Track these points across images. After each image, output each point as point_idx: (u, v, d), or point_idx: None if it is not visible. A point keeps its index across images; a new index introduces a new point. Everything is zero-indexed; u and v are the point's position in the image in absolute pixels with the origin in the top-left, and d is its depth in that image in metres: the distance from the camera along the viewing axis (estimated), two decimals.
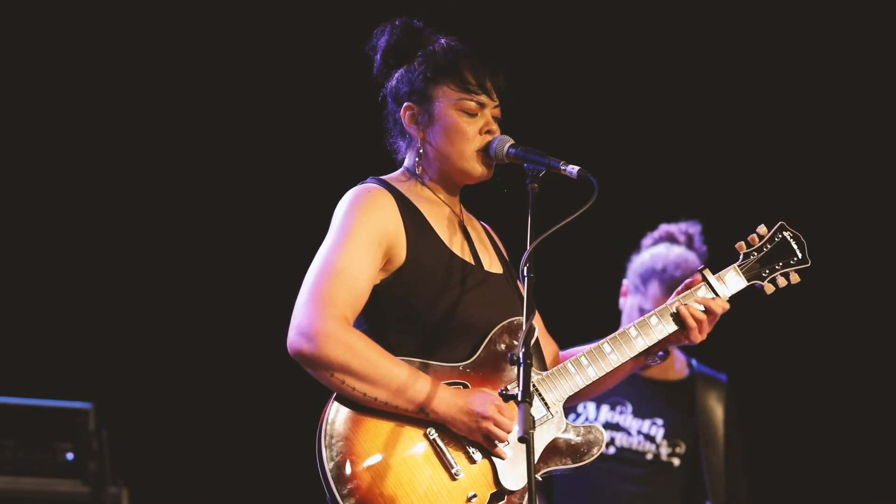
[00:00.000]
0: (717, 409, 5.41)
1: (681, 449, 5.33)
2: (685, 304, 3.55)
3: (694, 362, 5.48)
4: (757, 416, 6.80)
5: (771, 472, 6.71)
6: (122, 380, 6.41)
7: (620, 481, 5.32)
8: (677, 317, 3.56)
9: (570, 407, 4.31)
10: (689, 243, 5.45)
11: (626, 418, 5.36)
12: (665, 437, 5.33)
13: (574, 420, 4.95)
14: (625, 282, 5.43)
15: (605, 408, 5.38)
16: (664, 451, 5.33)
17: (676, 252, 5.39)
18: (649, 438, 5.34)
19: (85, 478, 5.67)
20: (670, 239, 5.45)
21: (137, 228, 6.50)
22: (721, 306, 3.57)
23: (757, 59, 6.96)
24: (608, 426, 5.32)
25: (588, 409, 5.39)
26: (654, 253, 5.39)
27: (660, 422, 5.35)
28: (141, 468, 6.20)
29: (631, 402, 5.35)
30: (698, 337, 3.56)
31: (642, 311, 5.20)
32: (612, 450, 5.30)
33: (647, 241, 5.49)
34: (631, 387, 5.23)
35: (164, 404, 6.47)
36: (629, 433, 5.33)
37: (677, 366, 5.45)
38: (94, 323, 6.42)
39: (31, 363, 6.33)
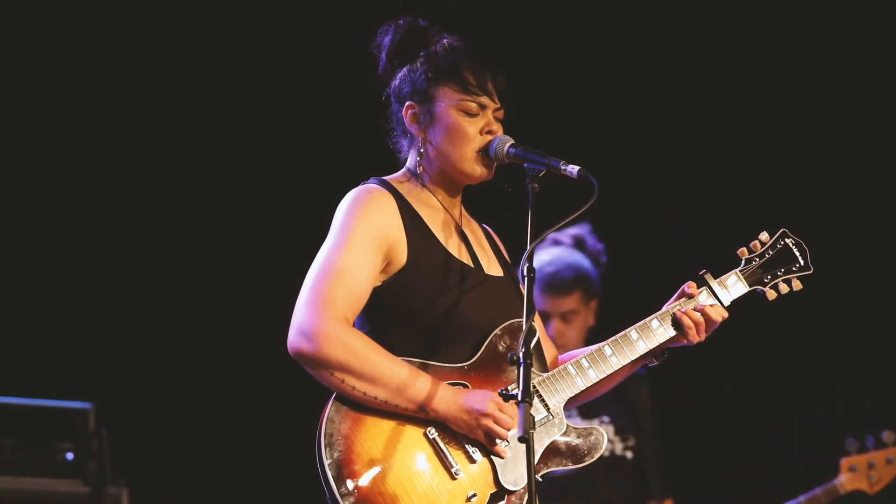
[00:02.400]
0: (645, 403, 5.54)
1: (631, 442, 5.45)
2: (684, 310, 3.55)
3: None
4: (756, 416, 6.82)
5: (767, 471, 6.71)
6: (122, 380, 6.41)
7: (583, 481, 5.38)
8: (676, 320, 3.57)
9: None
10: (580, 245, 5.56)
11: (575, 420, 5.43)
12: (616, 432, 5.44)
13: None
14: None
15: None
16: (618, 446, 5.43)
17: (552, 253, 5.54)
18: None
19: (85, 478, 5.67)
20: (555, 244, 5.60)
21: (138, 228, 6.51)
22: (720, 314, 3.57)
23: (757, 61, 6.96)
24: None
25: None
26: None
27: (606, 419, 5.46)
28: (141, 468, 6.20)
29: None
30: (696, 338, 3.56)
31: None
32: None
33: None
34: None
35: (164, 404, 6.47)
36: None
37: None
38: (94, 323, 6.42)
39: (31, 363, 6.33)
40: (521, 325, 3.19)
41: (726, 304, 3.61)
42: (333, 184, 3.78)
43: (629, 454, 5.45)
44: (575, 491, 5.37)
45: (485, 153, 3.50)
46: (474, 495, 3.31)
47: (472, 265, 3.51)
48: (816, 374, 6.82)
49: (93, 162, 6.49)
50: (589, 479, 5.35)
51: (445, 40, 3.53)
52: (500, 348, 3.42)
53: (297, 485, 4.34)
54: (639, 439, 5.47)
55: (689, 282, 3.61)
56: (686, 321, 3.54)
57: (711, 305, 3.57)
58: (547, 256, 5.52)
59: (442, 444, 3.31)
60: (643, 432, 5.49)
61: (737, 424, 6.89)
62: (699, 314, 3.55)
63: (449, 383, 3.34)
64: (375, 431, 3.28)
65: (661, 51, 7.03)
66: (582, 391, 3.51)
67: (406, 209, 3.47)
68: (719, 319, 3.56)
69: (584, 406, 5.42)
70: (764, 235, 3.70)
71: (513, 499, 3.34)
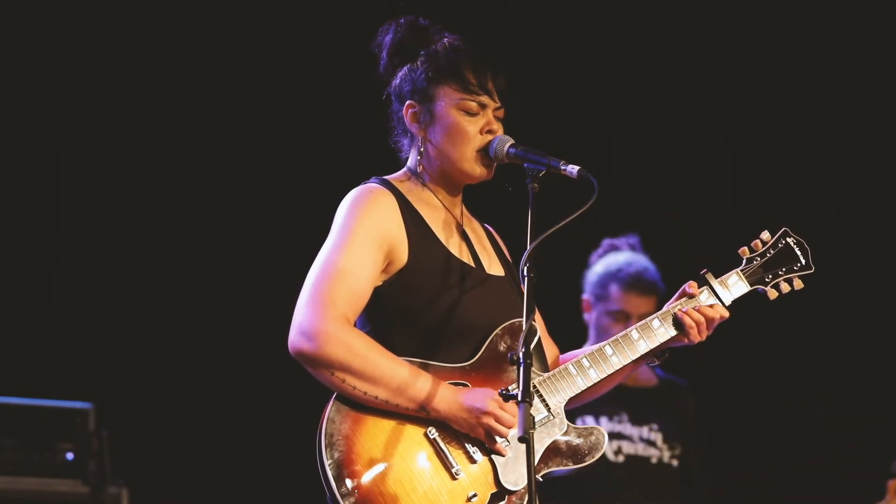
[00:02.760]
0: (688, 413, 5.69)
1: (678, 451, 5.53)
2: (685, 310, 3.56)
3: (657, 369, 5.65)
4: (757, 416, 6.82)
5: (767, 471, 6.71)
6: (122, 380, 6.41)
7: (635, 487, 5.47)
8: (677, 320, 3.57)
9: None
10: (633, 251, 5.74)
11: (626, 427, 5.50)
12: (664, 440, 5.50)
13: None
14: (585, 297, 5.68)
15: (603, 419, 5.52)
16: (666, 454, 5.50)
17: (625, 255, 5.69)
18: (651, 443, 5.50)
19: (85, 478, 5.67)
20: (614, 249, 5.76)
21: (138, 228, 6.50)
22: (721, 314, 3.57)
23: (757, 60, 6.96)
24: (612, 436, 5.47)
25: (587, 421, 5.49)
26: (605, 261, 5.69)
27: (656, 426, 5.55)
28: (141, 468, 6.20)
29: (626, 411, 5.50)
30: (697, 337, 3.56)
31: (608, 316, 5.54)
32: (621, 458, 5.47)
33: (594, 257, 5.79)
34: (621, 396, 5.36)
35: (164, 404, 6.47)
36: (632, 440, 5.50)
37: (648, 373, 5.64)
38: (94, 323, 6.42)
39: (31, 363, 6.33)
40: (522, 325, 3.19)
41: (727, 303, 3.61)
42: (334, 183, 3.78)
43: (675, 462, 5.58)
44: (621, 496, 5.44)
45: (485, 153, 3.50)
46: (475, 495, 3.31)
47: (472, 265, 3.51)
48: (816, 373, 6.82)
49: (93, 162, 6.49)
50: (636, 485, 5.44)
51: (446, 39, 3.53)
52: (501, 348, 3.42)
53: (297, 485, 4.34)
54: (684, 448, 5.57)
55: (690, 281, 3.61)
56: (687, 321, 3.54)
57: (712, 305, 3.58)
58: (622, 258, 5.65)
59: (442, 444, 3.31)
60: (688, 442, 5.60)
61: (737, 425, 6.89)
62: (700, 314, 3.55)
63: (450, 383, 3.34)
64: (376, 431, 3.28)
65: (661, 51, 7.03)
66: (583, 391, 3.52)
67: (407, 208, 3.47)
68: (720, 319, 3.57)
69: (636, 413, 5.51)
70: (765, 234, 3.70)
71: (513, 499, 3.34)
